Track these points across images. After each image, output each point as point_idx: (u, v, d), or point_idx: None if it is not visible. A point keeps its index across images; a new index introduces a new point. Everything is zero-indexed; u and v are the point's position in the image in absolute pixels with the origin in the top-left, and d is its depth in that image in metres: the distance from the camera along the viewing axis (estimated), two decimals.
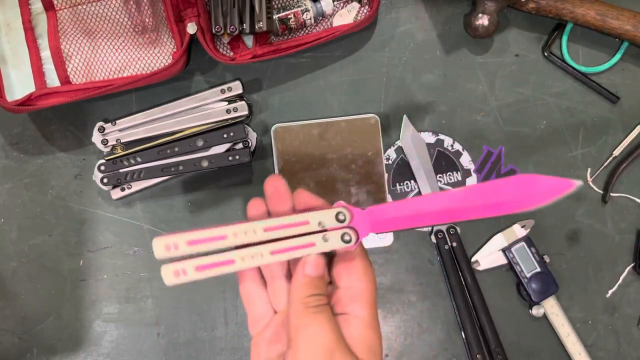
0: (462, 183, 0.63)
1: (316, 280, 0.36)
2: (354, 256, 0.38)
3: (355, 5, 0.61)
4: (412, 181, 0.63)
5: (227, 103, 0.60)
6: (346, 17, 0.61)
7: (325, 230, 0.37)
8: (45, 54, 0.61)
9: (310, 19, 0.60)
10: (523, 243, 0.61)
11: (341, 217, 0.37)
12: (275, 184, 0.40)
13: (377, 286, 0.62)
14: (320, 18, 0.61)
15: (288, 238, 0.37)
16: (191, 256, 0.38)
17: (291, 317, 0.36)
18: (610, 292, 0.62)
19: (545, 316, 0.61)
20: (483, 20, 0.59)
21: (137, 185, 0.62)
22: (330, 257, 0.39)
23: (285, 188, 0.40)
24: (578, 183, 0.34)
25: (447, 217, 0.36)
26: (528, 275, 0.60)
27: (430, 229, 0.62)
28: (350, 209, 0.37)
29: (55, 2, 0.61)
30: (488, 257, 0.61)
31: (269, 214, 0.40)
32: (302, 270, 0.36)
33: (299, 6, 0.59)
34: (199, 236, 0.39)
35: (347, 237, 0.37)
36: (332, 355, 0.34)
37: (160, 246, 0.37)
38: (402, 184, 0.63)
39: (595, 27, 0.60)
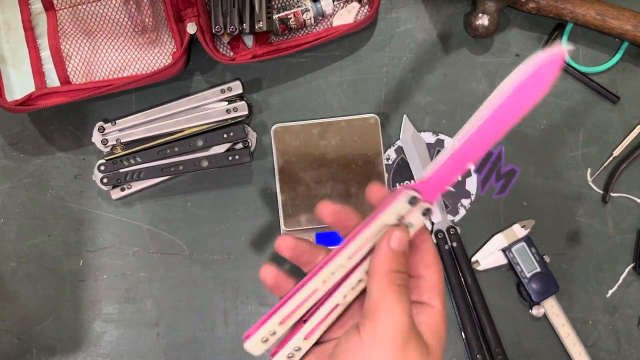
0: (462, 183, 0.63)
1: (400, 256, 0.35)
2: (428, 247, 0.37)
3: (355, 5, 0.61)
4: (412, 181, 0.62)
5: (227, 103, 0.60)
6: (346, 17, 0.61)
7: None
8: (45, 53, 0.61)
9: (310, 18, 0.60)
10: (523, 243, 0.61)
11: (413, 200, 0.35)
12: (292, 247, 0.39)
13: None
14: (320, 18, 0.61)
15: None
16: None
17: (373, 289, 0.35)
18: (610, 292, 0.62)
19: (545, 316, 0.61)
20: (483, 20, 0.59)
21: (137, 185, 0.62)
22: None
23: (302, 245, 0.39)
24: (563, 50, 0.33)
25: (489, 141, 0.35)
26: (528, 275, 0.60)
27: (430, 229, 0.62)
28: (416, 188, 0.35)
29: (55, 2, 0.61)
30: (488, 257, 0.61)
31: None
32: (387, 244, 0.35)
33: (299, 6, 0.59)
34: (290, 308, 0.35)
35: (425, 210, 0.35)
36: (407, 339, 0.33)
37: (257, 344, 0.35)
38: (402, 184, 0.63)
39: (596, 27, 0.60)
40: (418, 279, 0.37)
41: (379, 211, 0.36)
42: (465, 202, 0.62)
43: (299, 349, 0.36)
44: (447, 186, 0.37)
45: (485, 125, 0.34)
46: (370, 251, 0.35)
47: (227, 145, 0.61)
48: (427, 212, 0.36)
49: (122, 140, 0.61)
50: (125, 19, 0.61)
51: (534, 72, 0.33)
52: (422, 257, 0.38)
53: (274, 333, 0.35)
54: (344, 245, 0.35)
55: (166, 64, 0.60)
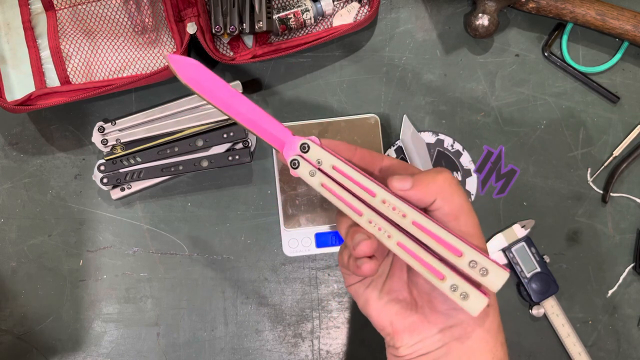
0: (462, 183, 0.63)
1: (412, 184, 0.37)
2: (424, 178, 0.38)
3: (355, 5, 0.61)
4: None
5: None
6: (346, 17, 0.61)
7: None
8: (45, 53, 0.61)
9: (310, 18, 0.60)
10: (523, 243, 0.61)
11: (296, 162, 0.39)
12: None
13: None
14: (320, 18, 0.61)
15: (427, 249, 0.36)
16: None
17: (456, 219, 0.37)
18: (610, 292, 0.62)
19: (545, 316, 0.61)
20: (483, 20, 0.59)
21: (137, 185, 0.62)
22: None
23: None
24: None
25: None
26: (528, 275, 0.60)
27: None
28: (282, 148, 0.40)
29: (55, 2, 0.61)
30: None
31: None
32: (401, 191, 0.37)
33: (299, 6, 0.59)
34: (347, 171, 0.38)
35: (302, 146, 0.39)
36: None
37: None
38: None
39: (596, 27, 0.60)
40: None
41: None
42: None
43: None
44: (280, 130, 0.41)
45: (231, 104, 0.41)
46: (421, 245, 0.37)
47: (227, 145, 0.61)
48: (304, 147, 0.39)
49: (122, 140, 0.61)
50: (125, 19, 0.61)
51: (184, 72, 0.41)
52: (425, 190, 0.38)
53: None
54: (428, 217, 0.37)
55: (166, 64, 0.60)
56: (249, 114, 0.41)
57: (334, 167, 0.38)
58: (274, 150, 0.62)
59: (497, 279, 0.34)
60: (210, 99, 0.40)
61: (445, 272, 0.35)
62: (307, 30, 0.62)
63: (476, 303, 0.34)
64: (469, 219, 0.37)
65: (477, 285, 0.35)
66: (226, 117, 0.60)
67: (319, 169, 0.38)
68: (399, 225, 0.36)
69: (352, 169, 0.37)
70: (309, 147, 0.39)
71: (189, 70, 0.39)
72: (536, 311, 0.60)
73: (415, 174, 0.37)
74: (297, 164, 0.39)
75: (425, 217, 0.35)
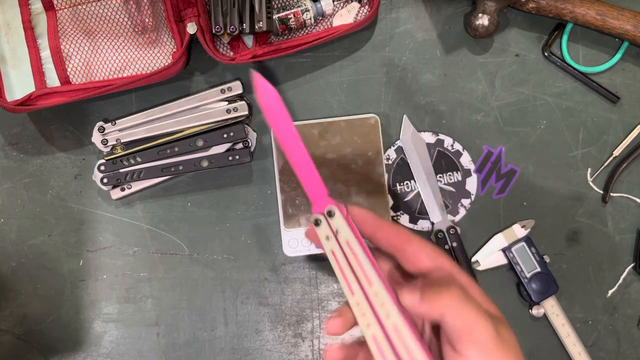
0: (462, 183, 0.63)
1: (422, 295, 0.36)
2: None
3: (355, 5, 0.61)
4: (412, 181, 0.63)
5: (227, 103, 0.60)
6: (346, 17, 0.61)
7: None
8: (45, 53, 0.61)
9: (310, 19, 0.60)
10: (523, 243, 0.61)
11: (317, 222, 0.40)
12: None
13: None
14: (320, 18, 0.61)
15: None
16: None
17: (453, 323, 0.35)
18: (610, 292, 0.62)
19: (545, 316, 0.61)
20: (483, 20, 0.59)
21: (137, 185, 0.62)
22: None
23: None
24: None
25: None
26: (528, 275, 0.60)
27: (430, 229, 0.62)
28: (313, 212, 0.41)
29: (55, 2, 0.61)
30: (488, 257, 0.61)
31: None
32: (409, 308, 0.36)
33: (299, 6, 0.59)
34: (358, 255, 0.39)
35: (328, 213, 0.40)
36: (499, 330, 0.36)
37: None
38: (402, 184, 0.63)
39: (596, 27, 0.60)
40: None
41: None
42: (465, 202, 0.62)
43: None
44: (320, 189, 0.41)
45: (287, 146, 0.44)
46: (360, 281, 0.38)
47: (227, 145, 0.61)
48: (331, 213, 0.40)
49: (122, 140, 0.61)
50: (125, 19, 0.61)
51: (264, 101, 0.45)
52: (423, 256, 0.38)
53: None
54: (345, 294, 0.39)
55: (166, 64, 0.60)
56: (300, 159, 0.43)
57: (347, 242, 0.39)
58: (274, 150, 0.62)
59: None
60: (274, 126, 0.43)
61: None
62: (307, 30, 0.62)
63: None
64: (482, 333, 0.35)
65: None
66: (226, 118, 0.60)
67: (335, 237, 0.40)
68: (380, 320, 0.37)
69: (362, 252, 0.39)
70: (334, 214, 0.40)
71: (267, 96, 0.43)
72: (536, 311, 0.60)
73: (425, 286, 0.36)
74: (319, 223, 0.41)
75: (408, 328, 0.36)
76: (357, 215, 0.40)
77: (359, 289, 0.38)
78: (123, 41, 0.61)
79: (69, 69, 0.61)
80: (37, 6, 0.61)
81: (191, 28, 0.58)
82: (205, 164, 0.61)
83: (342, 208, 0.40)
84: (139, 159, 0.61)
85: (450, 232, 0.61)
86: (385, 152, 0.63)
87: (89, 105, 0.63)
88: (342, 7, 0.61)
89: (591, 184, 0.63)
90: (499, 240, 0.61)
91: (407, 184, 0.63)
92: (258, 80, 0.43)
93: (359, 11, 0.61)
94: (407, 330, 0.35)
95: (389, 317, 0.36)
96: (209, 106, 0.60)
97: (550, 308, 0.60)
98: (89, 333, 0.62)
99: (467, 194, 0.62)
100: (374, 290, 0.37)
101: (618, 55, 0.62)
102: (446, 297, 0.35)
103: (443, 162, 0.63)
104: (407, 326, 0.36)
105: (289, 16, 0.59)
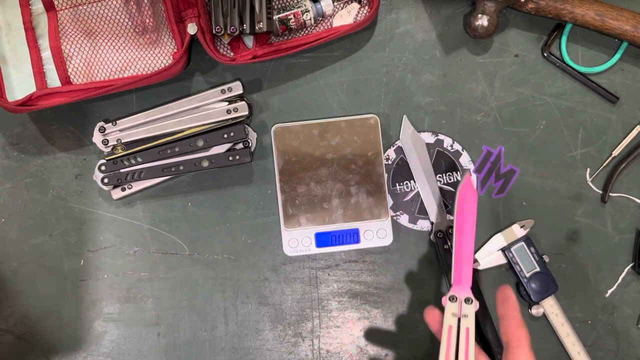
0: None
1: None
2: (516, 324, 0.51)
3: (355, 5, 0.62)
4: (412, 181, 0.63)
5: (227, 103, 0.60)
6: (346, 17, 0.61)
7: None
8: (46, 54, 0.61)
9: (310, 19, 0.60)
10: (522, 243, 0.61)
11: (452, 298, 0.52)
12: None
13: (377, 286, 0.62)
14: (320, 18, 0.61)
15: None
16: None
17: None
18: (609, 292, 0.62)
19: (544, 316, 0.61)
20: (483, 21, 0.59)
21: (137, 185, 0.62)
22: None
23: None
24: None
25: (469, 240, 0.54)
26: (527, 275, 0.60)
27: (430, 228, 0.62)
28: (451, 292, 0.52)
29: (55, 2, 0.61)
30: (488, 256, 0.61)
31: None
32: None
33: (299, 7, 0.60)
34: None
35: (465, 300, 0.52)
36: None
37: None
38: (401, 184, 0.63)
39: (595, 27, 0.60)
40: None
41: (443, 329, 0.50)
42: None
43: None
44: (468, 278, 0.52)
45: (461, 234, 0.53)
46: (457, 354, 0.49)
47: (227, 146, 0.61)
48: (469, 301, 0.50)
49: (123, 141, 0.61)
50: (126, 20, 0.61)
51: (462, 195, 0.53)
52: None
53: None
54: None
55: (167, 64, 0.61)
56: (467, 245, 0.52)
57: (467, 330, 0.48)
58: (274, 150, 0.62)
59: None
60: (463, 218, 0.52)
61: None
62: (307, 31, 0.62)
63: None
64: None
65: None
66: (227, 118, 0.60)
67: (459, 318, 0.49)
68: None
69: (473, 344, 0.48)
70: (471, 303, 0.50)
71: (470, 197, 0.53)
72: (535, 311, 0.60)
73: None
74: (454, 300, 0.50)
75: None
76: (505, 296, 0.51)
77: None
78: (124, 42, 0.61)
79: (69, 70, 0.61)
80: (38, 6, 0.61)
81: (192, 29, 0.58)
82: (205, 164, 0.61)
83: (476, 304, 0.50)
84: (139, 159, 0.61)
85: (450, 232, 0.61)
86: (385, 152, 0.63)
87: (89, 106, 0.63)
88: (342, 8, 0.62)
89: (590, 184, 0.63)
90: (499, 240, 0.61)
91: (406, 184, 0.63)
92: (468, 181, 0.53)
93: (358, 12, 0.62)
94: None
95: None
96: (210, 106, 0.61)
97: (550, 308, 0.60)
98: (90, 333, 0.62)
99: None
100: None
101: (617, 56, 0.62)
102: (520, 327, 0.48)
103: (442, 162, 0.63)
104: None
105: (289, 17, 0.59)
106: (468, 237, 0.52)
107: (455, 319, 0.49)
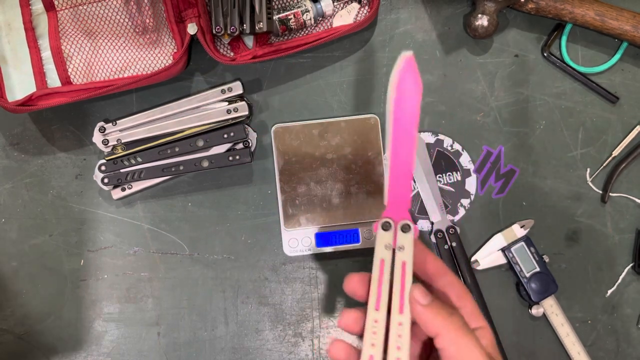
0: (461, 183, 0.63)
1: (435, 303, 0.37)
2: (451, 281, 0.39)
3: (355, 5, 0.62)
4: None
5: (227, 103, 0.60)
6: (346, 17, 0.61)
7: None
8: (46, 54, 0.61)
9: (310, 19, 0.60)
10: (522, 243, 0.61)
11: (386, 225, 0.39)
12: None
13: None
14: (320, 19, 0.62)
15: None
16: None
17: (447, 345, 0.36)
18: (609, 292, 0.62)
19: (544, 316, 0.61)
20: (482, 21, 0.59)
21: (137, 185, 0.62)
22: None
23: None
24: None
25: (409, 148, 0.39)
26: (527, 275, 0.60)
27: (430, 228, 0.62)
28: (384, 215, 0.39)
29: (56, 2, 0.61)
30: (488, 256, 0.62)
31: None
32: (418, 307, 0.37)
33: (299, 7, 0.60)
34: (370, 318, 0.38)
35: (403, 227, 0.38)
36: None
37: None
38: None
39: (595, 27, 0.60)
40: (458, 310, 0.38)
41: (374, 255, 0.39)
42: (465, 202, 0.63)
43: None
44: (406, 200, 0.39)
45: (397, 138, 0.38)
46: (391, 293, 0.37)
47: (227, 146, 0.61)
48: (406, 228, 0.39)
49: (123, 141, 0.61)
50: (126, 20, 0.61)
51: (401, 84, 0.37)
52: (450, 292, 0.39)
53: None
54: (368, 304, 0.37)
55: (167, 64, 0.61)
56: (404, 162, 0.39)
57: (403, 264, 0.38)
58: (274, 150, 0.62)
59: None
60: (394, 120, 0.38)
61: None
62: (307, 31, 0.62)
63: None
64: None
65: None
66: (227, 118, 0.60)
67: (393, 250, 0.39)
68: (386, 348, 0.37)
69: (411, 280, 0.38)
70: (407, 231, 0.39)
71: (407, 84, 0.38)
72: (535, 311, 0.60)
73: (438, 301, 0.37)
74: (387, 228, 0.39)
75: None
76: (418, 250, 0.39)
77: (384, 310, 0.37)
78: (124, 42, 0.61)
79: (69, 70, 0.61)
80: (38, 7, 0.61)
81: (192, 29, 0.58)
82: (205, 164, 0.61)
83: (416, 230, 0.39)
84: (139, 159, 0.61)
85: (450, 232, 0.61)
86: (385, 152, 0.63)
87: (89, 106, 0.63)
88: (342, 8, 0.62)
89: (590, 184, 0.63)
90: (499, 240, 0.61)
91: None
92: (410, 65, 0.37)
93: (358, 12, 0.62)
94: None
95: (399, 350, 0.36)
96: (210, 106, 0.61)
97: (550, 308, 0.60)
98: (90, 333, 0.62)
99: (467, 194, 0.63)
100: (398, 320, 0.37)
101: (617, 56, 0.62)
102: (450, 319, 0.36)
103: (442, 162, 0.63)
104: None
105: (289, 17, 0.59)
106: (406, 141, 0.38)
107: (389, 253, 0.38)
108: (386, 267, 0.38)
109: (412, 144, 0.38)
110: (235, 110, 0.60)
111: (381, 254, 0.38)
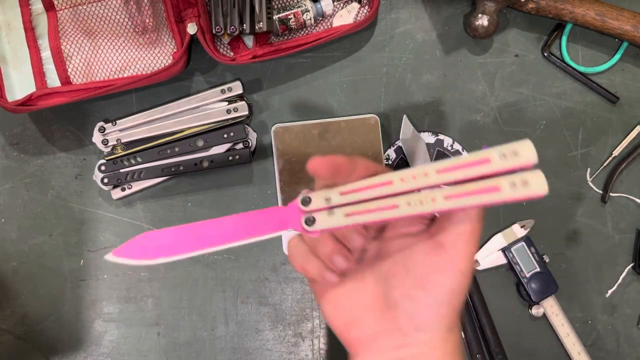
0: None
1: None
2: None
3: (355, 5, 0.61)
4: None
5: (227, 103, 0.60)
6: (346, 17, 0.61)
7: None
8: (46, 54, 0.61)
9: (310, 19, 0.60)
10: (523, 243, 0.61)
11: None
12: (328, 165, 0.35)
13: None
14: (320, 18, 0.61)
15: (466, 182, 0.33)
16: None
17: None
18: (609, 292, 0.62)
19: (545, 316, 0.61)
20: (483, 21, 0.59)
21: (137, 185, 0.62)
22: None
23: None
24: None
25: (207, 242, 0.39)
26: (528, 275, 0.60)
27: None
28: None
29: (55, 2, 0.61)
30: (488, 257, 0.61)
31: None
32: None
33: (299, 6, 0.59)
34: (355, 186, 0.35)
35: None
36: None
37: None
38: None
39: (595, 27, 0.60)
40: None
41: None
42: None
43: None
44: (277, 211, 0.38)
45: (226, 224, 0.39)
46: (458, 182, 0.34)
47: (227, 146, 0.61)
48: (304, 202, 0.36)
49: (123, 141, 0.61)
50: (126, 20, 0.61)
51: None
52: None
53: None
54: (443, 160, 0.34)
55: (167, 64, 0.61)
56: (233, 231, 0.38)
57: (342, 194, 0.35)
58: (274, 150, 0.62)
59: (527, 150, 0.32)
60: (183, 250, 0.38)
61: (494, 183, 0.32)
62: (307, 31, 0.62)
63: (538, 180, 0.32)
64: (471, 245, 0.36)
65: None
66: (227, 118, 0.60)
67: (332, 207, 0.36)
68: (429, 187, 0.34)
69: (357, 182, 0.35)
70: (309, 198, 0.36)
71: (138, 248, 0.38)
72: (536, 311, 0.60)
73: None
74: (312, 220, 0.36)
75: (442, 160, 0.34)
76: (324, 162, 0.35)
77: (394, 198, 0.34)
78: (123, 41, 0.61)
79: (69, 69, 0.61)
80: (37, 6, 0.61)
81: (191, 28, 0.58)
82: (205, 164, 0.61)
83: (305, 190, 0.37)
84: (139, 159, 0.61)
85: None
86: (385, 152, 0.63)
87: (89, 106, 0.63)
88: (342, 8, 0.61)
89: (591, 184, 0.63)
90: (499, 240, 0.61)
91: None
92: (117, 253, 0.39)
93: (359, 11, 0.62)
94: (446, 161, 0.33)
95: (428, 174, 0.33)
96: (209, 106, 0.61)
97: (550, 308, 0.60)
98: (90, 333, 0.62)
99: None
100: (398, 178, 0.34)
101: (617, 56, 0.62)
102: (461, 228, 0.35)
103: None
104: (442, 160, 0.33)
105: (289, 16, 0.59)
106: (207, 225, 0.40)
107: (338, 210, 0.35)
108: (354, 208, 0.35)
109: (188, 230, 0.40)
110: (235, 110, 0.60)
111: (339, 217, 0.35)
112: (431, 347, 0.36)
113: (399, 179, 0.34)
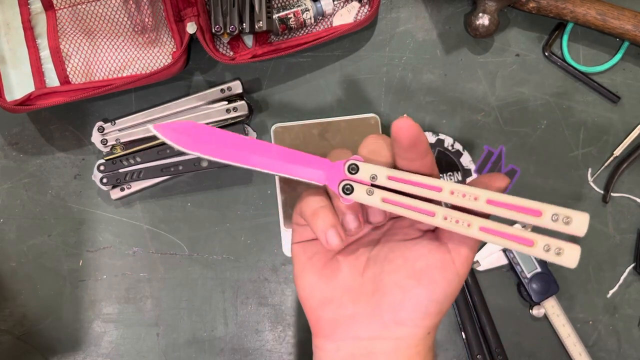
0: (462, 183, 0.62)
1: None
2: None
3: (355, 4, 0.61)
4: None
5: (227, 103, 0.60)
6: (346, 16, 0.61)
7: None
8: (45, 53, 0.61)
9: (310, 18, 0.60)
10: None
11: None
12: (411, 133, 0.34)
13: None
14: (320, 18, 0.61)
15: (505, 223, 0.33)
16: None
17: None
18: (611, 292, 0.62)
19: (545, 316, 0.61)
20: (483, 20, 0.59)
21: (136, 185, 0.62)
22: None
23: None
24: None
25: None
26: (528, 276, 0.60)
27: None
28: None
29: (54, 1, 0.61)
30: (488, 257, 0.61)
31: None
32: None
33: (299, 6, 0.59)
34: (407, 177, 0.34)
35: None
36: None
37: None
38: None
39: (596, 26, 0.60)
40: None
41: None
42: None
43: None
44: (321, 163, 0.37)
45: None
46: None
47: None
48: (352, 170, 0.36)
49: (122, 140, 0.61)
50: (125, 19, 0.61)
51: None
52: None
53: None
54: (491, 191, 0.34)
55: (166, 63, 0.60)
56: (274, 159, 0.38)
57: (389, 178, 0.35)
58: None
59: (581, 223, 0.32)
60: (221, 156, 0.38)
61: (532, 237, 0.33)
62: (307, 30, 0.62)
63: (572, 254, 0.32)
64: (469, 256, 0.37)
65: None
66: (226, 117, 0.60)
67: (375, 185, 0.35)
68: (472, 211, 0.34)
69: (410, 173, 0.35)
70: (357, 167, 0.36)
71: (185, 133, 0.37)
72: (536, 311, 0.60)
73: None
74: (350, 189, 0.36)
75: (498, 192, 0.34)
76: (377, 143, 0.36)
77: (434, 206, 0.34)
78: (123, 41, 0.61)
79: (68, 69, 0.61)
80: (36, 6, 0.61)
81: (191, 28, 0.58)
82: (205, 163, 0.60)
83: (357, 157, 0.36)
84: (138, 159, 0.61)
85: None
86: None
87: (88, 105, 0.63)
88: (342, 7, 0.61)
89: (592, 184, 0.62)
90: None
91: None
92: (160, 128, 0.37)
93: (359, 11, 0.61)
94: (501, 195, 0.33)
95: (478, 198, 0.33)
96: (209, 106, 0.60)
97: (551, 308, 0.60)
98: (89, 333, 0.62)
99: None
100: (447, 191, 0.34)
101: (618, 55, 0.62)
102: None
103: (443, 162, 0.63)
104: (498, 192, 0.34)
105: (288, 16, 0.59)
106: (256, 147, 0.39)
107: (379, 192, 0.35)
108: (393, 197, 0.35)
109: (242, 142, 0.39)
110: (235, 109, 0.60)
111: (377, 199, 0.35)
112: (407, 345, 0.36)
113: (449, 191, 0.34)
